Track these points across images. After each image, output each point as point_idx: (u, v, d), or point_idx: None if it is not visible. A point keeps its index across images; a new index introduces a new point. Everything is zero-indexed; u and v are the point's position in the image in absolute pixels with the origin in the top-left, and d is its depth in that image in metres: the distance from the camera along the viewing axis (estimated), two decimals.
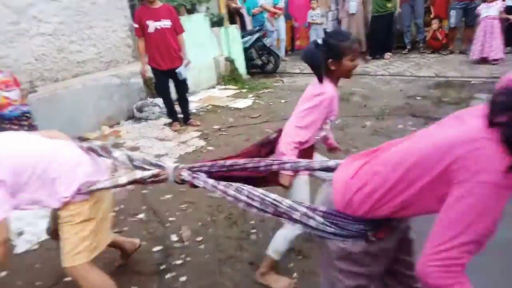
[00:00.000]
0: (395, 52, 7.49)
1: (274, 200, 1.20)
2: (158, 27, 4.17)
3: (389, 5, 7.00)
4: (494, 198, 0.84)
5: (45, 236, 2.67)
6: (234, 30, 6.83)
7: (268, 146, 1.88)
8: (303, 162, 1.45)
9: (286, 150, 1.76)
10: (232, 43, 6.76)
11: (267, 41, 7.04)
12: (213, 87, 6.59)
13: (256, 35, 6.99)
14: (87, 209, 1.63)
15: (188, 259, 2.28)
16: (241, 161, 1.49)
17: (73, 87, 4.46)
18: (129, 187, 3.20)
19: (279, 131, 1.89)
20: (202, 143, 4.14)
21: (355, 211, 1.09)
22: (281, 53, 7.94)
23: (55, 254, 2.44)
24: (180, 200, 2.95)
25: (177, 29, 4.32)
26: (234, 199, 1.29)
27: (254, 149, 1.88)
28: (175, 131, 4.59)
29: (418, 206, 1.00)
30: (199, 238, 2.46)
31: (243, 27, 7.51)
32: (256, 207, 1.22)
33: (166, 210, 2.84)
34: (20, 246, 2.61)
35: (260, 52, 7.17)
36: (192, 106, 5.16)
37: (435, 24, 6.85)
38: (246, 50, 7.03)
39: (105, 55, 5.06)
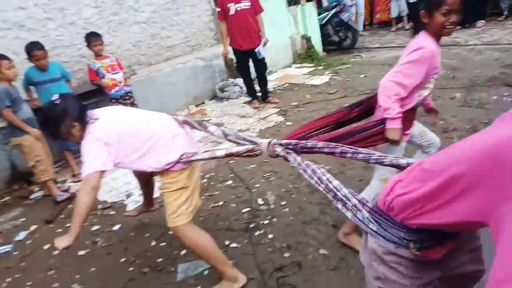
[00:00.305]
0: (489, 19, 6.75)
1: (335, 187, 1.19)
2: (238, 8, 4.38)
3: None
4: None
5: None
6: (310, 7, 6.78)
7: (359, 108, 1.87)
8: (376, 154, 1.35)
9: (387, 103, 1.70)
10: (308, 20, 6.73)
11: (344, 16, 6.86)
12: (289, 66, 6.68)
13: (333, 11, 6.86)
14: (184, 178, 1.87)
15: (274, 220, 2.48)
16: (332, 144, 1.46)
17: (164, 70, 4.92)
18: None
19: (372, 97, 1.86)
20: (280, 118, 4.30)
21: (396, 215, 0.96)
22: (359, 28, 7.67)
23: (159, 212, 2.84)
24: (264, 170, 3.16)
25: (256, 9, 4.48)
26: (309, 179, 1.31)
27: (344, 111, 1.87)
28: (255, 108, 4.82)
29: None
30: (283, 203, 2.64)
31: (319, 4, 7.41)
32: (322, 189, 1.25)
33: (251, 178, 3.07)
34: (130, 205, 3.06)
35: (337, 28, 7.03)
36: (270, 85, 5.33)
37: None
38: (322, 27, 6.95)
39: (191, 39, 5.46)
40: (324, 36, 7.04)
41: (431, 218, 0.84)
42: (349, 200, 1.13)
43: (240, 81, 5.33)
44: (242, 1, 4.37)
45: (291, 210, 2.54)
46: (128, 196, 3.22)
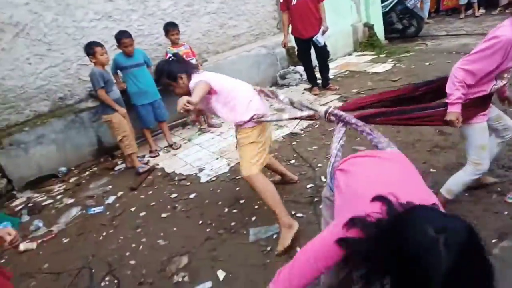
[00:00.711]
0: None
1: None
2: None
3: None
4: None
5: (220, 171, 3.41)
6: None
7: (426, 87, 1.94)
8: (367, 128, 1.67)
9: (450, 89, 1.81)
10: (371, 8, 6.66)
11: (409, 3, 6.67)
12: (350, 54, 6.68)
13: None
14: (255, 134, 2.31)
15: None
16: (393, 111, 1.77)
17: (230, 58, 5.22)
18: (282, 139, 3.73)
19: (443, 78, 1.92)
20: (341, 104, 4.39)
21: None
22: (425, 15, 7.40)
23: (229, 185, 3.13)
24: (326, 152, 3.31)
25: None
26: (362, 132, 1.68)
27: (410, 87, 1.99)
28: (315, 95, 4.95)
29: None
30: None
31: None
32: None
33: (313, 158, 3.25)
34: (203, 178, 3.39)
35: (401, 15, 6.86)
36: (330, 73, 5.41)
37: None
38: (385, 14, 6.83)
39: (255, 28, 5.70)
40: (388, 23, 6.91)
41: None
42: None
43: (300, 68, 5.47)
44: None
45: None
46: (201, 170, 3.55)
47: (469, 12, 7.58)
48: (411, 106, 1.86)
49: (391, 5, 6.73)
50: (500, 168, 2.50)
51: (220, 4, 5.19)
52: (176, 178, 3.49)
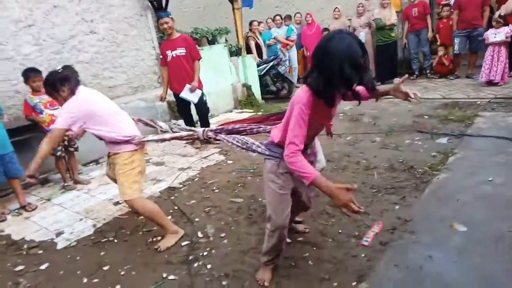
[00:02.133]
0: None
1: (247, 141, 2.15)
2: (175, 55, 4.62)
3: (392, 34, 7.49)
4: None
5: (82, 235, 2.99)
6: (250, 59, 7.33)
7: (275, 117, 2.46)
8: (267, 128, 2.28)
9: None
10: (248, 70, 7.24)
11: (281, 69, 7.49)
12: (231, 111, 7.01)
13: (271, 64, 7.47)
14: (136, 159, 2.52)
15: (213, 251, 2.53)
16: (247, 125, 2.38)
17: None
18: (159, 195, 3.53)
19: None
20: (221, 157, 4.46)
21: (278, 140, 1.88)
22: (294, 80, 8.38)
23: (92, 249, 2.75)
24: (204, 205, 3.23)
25: (192, 56, 4.70)
26: (231, 145, 2.23)
27: (264, 117, 2.55)
28: (197, 148, 4.94)
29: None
30: (222, 234, 2.71)
31: (260, 56, 8.02)
32: (240, 147, 2.18)
33: (191, 212, 3.12)
34: (60, 244, 2.90)
35: (275, 79, 7.62)
36: (212, 127, 5.51)
37: (441, 51, 7.21)
38: (261, 77, 7.49)
39: (133, 81, 5.55)
40: (263, 85, 7.57)
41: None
42: (253, 144, 2.10)
43: (182, 122, 5.45)
44: (177, 48, 4.61)
45: (230, 241, 2.62)
46: (58, 234, 3.05)
47: None
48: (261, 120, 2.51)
49: (265, 69, 7.46)
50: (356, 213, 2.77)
51: (94, 54, 4.95)
52: (25, 246, 2.90)
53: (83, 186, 4.04)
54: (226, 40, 7.04)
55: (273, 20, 8.51)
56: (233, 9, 7.00)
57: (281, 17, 8.53)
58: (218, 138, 2.29)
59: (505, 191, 2.77)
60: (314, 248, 2.40)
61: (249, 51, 7.70)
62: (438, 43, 7.36)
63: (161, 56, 4.78)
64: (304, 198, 2.21)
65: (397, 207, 2.79)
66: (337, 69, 1.50)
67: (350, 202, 1.57)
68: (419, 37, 7.44)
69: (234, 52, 7.09)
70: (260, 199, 3.19)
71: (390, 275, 2.06)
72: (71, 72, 2.58)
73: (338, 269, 2.17)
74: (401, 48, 8.10)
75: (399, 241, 2.36)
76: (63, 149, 3.96)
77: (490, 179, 2.96)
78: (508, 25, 6.01)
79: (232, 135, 2.24)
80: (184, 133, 2.44)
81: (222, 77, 6.79)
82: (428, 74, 7.60)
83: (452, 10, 7.01)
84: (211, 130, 2.32)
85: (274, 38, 8.24)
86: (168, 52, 4.63)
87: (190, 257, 2.48)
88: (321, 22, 8.86)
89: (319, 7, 9.40)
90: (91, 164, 4.80)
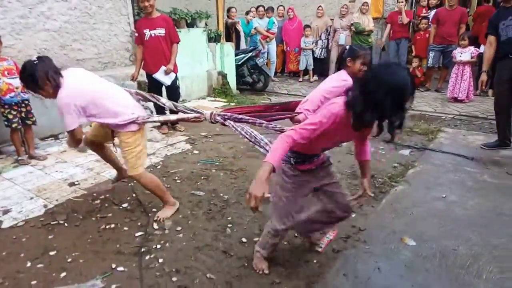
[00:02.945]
0: None
1: (255, 135, 2.08)
2: (153, 35, 4.46)
3: (369, 40, 7.59)
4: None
5: (31, 215, 2.85)
6: (229, 47, 7.20)
7: (278, 107, 2.43)
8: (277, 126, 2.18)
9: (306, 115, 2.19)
10: (226, 59, 7.12)
11: (259, 61, 7.42)
12: (203, 98, 6.89)
13: (249, 54, 7.37)
14: (140, 137, 2.55)
15: (167, 245, 2.48)
16: (256, 119, 2.23)
17: None
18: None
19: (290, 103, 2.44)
20: (188, 146, 4.38)
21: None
22: (271, 74, 8.35)
23: (41, 231, 2.63)
24: None
25: (172, 38, 4.59)
26: (240, 134, 2.16)
27: (267, 107, 2.51)
28: (164, 133, 4.82)
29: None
30: (179, 228, 2.67)
31: (237, 45, 7.91)
32: (247, 139, 2.11)
33: (150, 202, 3.04)
34: (6, 222, 2.76)
35: (252, 70, 7.55)
36: (219, 112, 5.38)
37: (415, 62, 7.40)
38: (238, 67, 7.39)
39: (104, 56, 5.31)
40: (239, 75, 7.48)
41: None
42: (262, 141, 2.04)
43: (151, 104, 5.28)
44: (157, 28, 4.46)
45: (185, 236, 2.58)
46: (6, 212, 2.89)
47: (306, 77, 8.92)
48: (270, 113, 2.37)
49: (243, 59, 7.35)
50: None
51: (63, 24, 4.67)
52: None
53: (38, 162, 3.85)
54: (206, 25, 6.87)
55: (256, 10, 8.40)
56: None
57: (264, 8, 8.44)
58: (226, 123, 2.25)
59: (455, 209, 2.90)
60: None
61: (228, 38, 7.57)
62: (413, 54, 7.54)
63: (136, 34, 4.59)
64: (330, 206, 2.12)
65: (353, 215, 2.85)
66: (382, 97, 1.48)
67: (257, 197, 1.52)
68: (398, 45, 7.60)
69: (213, 38, 6.94)
70: (221, 195, 3.16)
71: (338, 284, 2.11)
72: (47, 62, 2.37)
73: (290, 274, 2.19)
74: (379, 52, 8.21)
75: (351, 249, 2.42)
76: (19, 121, 3.73)
77: (444, 196, 3.08)
78: (474, 45, 6.27)
79: (241, 125, 2.20)
80: (191, 115, 2.38)
81: (198, 63, 6.64)
82: None
83: (430, 23, 7.19)
84: (219, 115, 2.27)
85: (255, 28, 8.15)
86: (146, 31, 4.45)
87: (143, 249, 2.42)
88: (304, 18, 8.85)
89: (303, 2, 9.36)
90: (49, 139, 4.57)
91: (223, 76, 7.06)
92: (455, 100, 6.40)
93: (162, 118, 2.61)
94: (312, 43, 8.39)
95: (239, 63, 7.36)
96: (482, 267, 2.22)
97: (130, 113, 2.47)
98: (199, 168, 3.73)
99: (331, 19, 8.36)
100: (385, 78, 1.50)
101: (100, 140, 2.91)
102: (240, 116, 2.24)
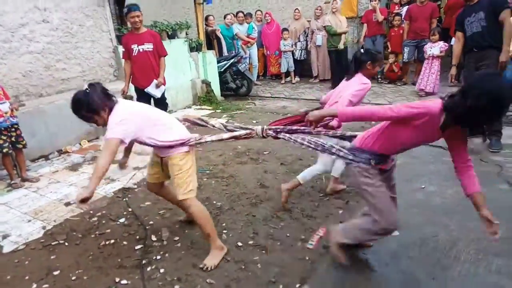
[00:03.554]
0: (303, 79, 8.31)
1: (322, 143, 2.16)
2: (141, 50, 4.58)
3: (344, 40, 7.69)
4: None
5: (31, 237, 2.93)
6: (211, 55, 7.34)
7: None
8: (338, 132, 2.42)
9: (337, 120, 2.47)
10: (208, 67, 7.24)
11: (241, 67, 7.57)
12: (189, 107, 7.00)
13: (231, 61, 7.52)
14: (191, 159, 2.42)
15: (167, 255, 2.60)
16: (306, 128, 2.33)
17: (57, 102, 4.73)
18: (112, 195, 3.52)
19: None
20: None
21: (367, 146, 2.02)
22: (254, 78, 8.50)
23: (42, 253, 2.71)
24: (159, 207, 3.27)
25: (159, 52, 4.72)
26: (300, 145, 2.22)
27: (300, 115, 2.58)
28: None
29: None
30: (176, 238, 2.79)
31: (220, 52, 8.04)
32: (312, 147, 2.19)
33: (145, 215, 3.15)
34: (6, 247, 2.83)
35: (235, 76, 7.69)
36: (271, 126, 5.45)
37: (391, 58, 7.66)
38: (221, 74, 7.53)
39: (88, 74, 5.38)
40: (223, 82, 7.61)
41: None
42: (333, 147, 2.11)
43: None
44: (145, 43, 4.58)
45: (183, 245, 2.71)
46: (5, 237, 2.97)
47: (288, 79, 9.10)
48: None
49: (225, 66, 7.49)
50: (304, 217, 2.97)
51: (46, 45, 4.73)
52: None
53: (32, 184, 3.91)
54: (186, 34, 6.99)
55: (236, 16, 8.55)
56: (195, 3, 6.94)
57: (243, 14, 8.59)
58: (279, 136, 2.31)
59: (434, 198, 3.11)
60: (263, 252, 2.56)
61: (210, 47, 7.69)
62: (389, 50, 7.80)
63: (123, 49, 4.69)
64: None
65: (340, 211, 3.03)
66: (484, 104, 1.60)
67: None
68: (374, 42, 7.84)
69: (195, 48, 7.06)
70: (214, 202, 3.30)
71: (330, 278, 2.27)
72: (100, 88, 2.27)
73: (284, 272, 2.34)
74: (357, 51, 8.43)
75: None
76: (10, 145, 3.79)
77: (423, 186, 3.28)
78: (447, 39, 6.55)
79: (298, 135, 2.26)
80: (242, 132, 2.38)
81: (181, 73, 6.76)
82: (379, 79, 8.05)
83: (403, 20, 7.46)
84: (270, 129, 2.32)
85: (236, 34, 8.30)
86: (134, 46, 4.56)
87: (144, 261, 2.54)
88: (281, 21, 9.04)
89: (280, 6, 9.55)
90: (40, 160, 4.62)
91: (207, 84, 7.19)
92: (426, 93, 6.65)
93: (214, 137, 2.40)
94: (291, 46, 8.59)
95: (222, 70, 7.50)
96: (460, 250, 2.42)
97: (181, 134, 2.38)
98: None
99: (308, 21, 8.57)
100: (491, 86, 1.61)
101: (159, 179, 2.71)
102: (294, 127, 2.33)
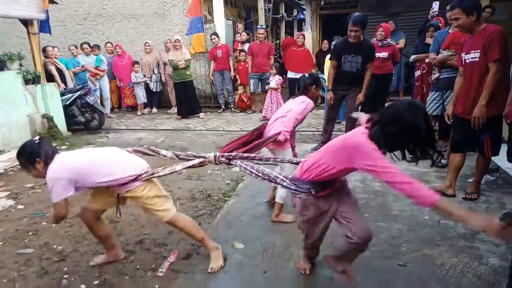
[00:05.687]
0: (213, 110, 8.74)
1: (269, 173, 2.25)
2: None
3: (187, 73, 7.87)
4: None
5: None
6: (51, 87, 6.70)
7: (257, 132, 3.04)
8: (286, 158, 2.75)
9: (285, 133, 2.96)
10: (50, 100, 6.58)
11: (90, 99, 7.12)
12: None
13: (78, 93, 7.02)
14: (149, 184, 2.41)
15: None
16: (258, 153, 2.69)
17: None
18: None
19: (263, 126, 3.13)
20: (10, 202, 3.91)
21: (307, 178, 2.05)
22: (107, 111, 8.10)
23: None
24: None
25: None
26: (250, 173, 2.31)
27: (248, 134, 2.96)
28: None
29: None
30: None
31: (65, 84, 7.41)
32: (260, 177, 2.27)
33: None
34: None
35: (83, 109, 7.18)
36: (222, 153, 4.74)
37: (240, 89, 8.42)
38: (67, 107, 6.93)
39: None
40: (69, 116, 7.00)
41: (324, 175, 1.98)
42: (277, 178, 2.20)
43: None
44: None
45: None
46: None
47: (146, 110, 8.97)
48: (257, 143, 2.81)
49: (71, 99, 6.94)
50: (156, 246, 2.96)
51: None
52: None
53: None
54: (21, 65, 6.25)
55: (81, 47, 8.10)
56: (28, 33, 6.31)
57: (89, 45, 8.22)
58: (232, 163, 2.42)
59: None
60: None
61: (51, 79, 7.03)
62: (238, 82, 8.57)
63: None
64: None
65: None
66: (399, 133, 1.74)
67: None
68: (223, 75, 8.47)
69: (31, 80, 6.34)
70: (55, 246, 2.99)
71: None
72: (47, 144, 2.35)
73: None
74: (209, 81, 8.88)
75: (190, 267, 2.66)
76: None
77: (265, 200, 3.68)
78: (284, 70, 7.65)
79: (249, 163, 2.36)
80: (196, 161, 2.42)
81: (15, 107, 5.95)
82: (232, 108, 8.72)
83: (247, 55, 8.34)
84: (223, 156, 2.42)
85: (83, 66, 7.83)
86: None
87: None
88: (133, 54, 8.97)
89: (130, 39, 9.47)
90: None
91: (49, 119, 6.49)
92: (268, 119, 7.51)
93: (167, 170, 2.39)
94: (143, 77, 8.57)
95: (67, 103, 6.90)
96: (291, 251, 2.78)
97: (132, 172, 2.35)
98: (26, 223, 3.41)
99: (159, 54, 8.73)
100: (404, 118, 1.70)
101: (102, 206, 2.59)
102: (245, 155, 2.45)
